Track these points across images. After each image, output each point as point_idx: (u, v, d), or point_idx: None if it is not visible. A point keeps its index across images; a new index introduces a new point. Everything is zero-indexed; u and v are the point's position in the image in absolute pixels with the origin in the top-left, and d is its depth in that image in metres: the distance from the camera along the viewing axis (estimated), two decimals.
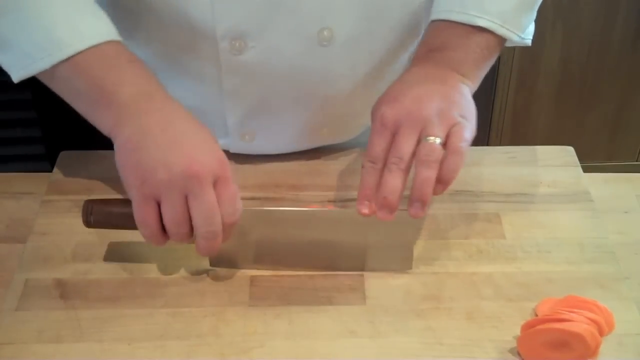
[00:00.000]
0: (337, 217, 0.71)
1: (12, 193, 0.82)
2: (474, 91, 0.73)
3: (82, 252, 0.73)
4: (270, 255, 0.71)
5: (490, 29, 0.72)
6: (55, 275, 0.71)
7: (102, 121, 0.68)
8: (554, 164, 0.83)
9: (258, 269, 0.71)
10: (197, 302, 0.68)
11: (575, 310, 0.63)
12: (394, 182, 0.65)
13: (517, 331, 0.65)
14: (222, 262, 0.71)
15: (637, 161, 1.97)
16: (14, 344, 0.65)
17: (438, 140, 0.65)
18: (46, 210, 0.77)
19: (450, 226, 0.76)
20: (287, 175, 0.82)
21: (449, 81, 0.71)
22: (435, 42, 0.74)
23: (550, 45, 1.75)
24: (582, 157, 0.85)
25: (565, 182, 0.81)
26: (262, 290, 0.70)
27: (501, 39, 0.74)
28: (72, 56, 0.66)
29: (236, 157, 0.83)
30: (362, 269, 0.71)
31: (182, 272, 0.71)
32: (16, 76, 0.68)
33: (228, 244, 0.67)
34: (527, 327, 0.64)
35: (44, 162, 1.55)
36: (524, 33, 0.76)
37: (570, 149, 0.86)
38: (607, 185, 0.83)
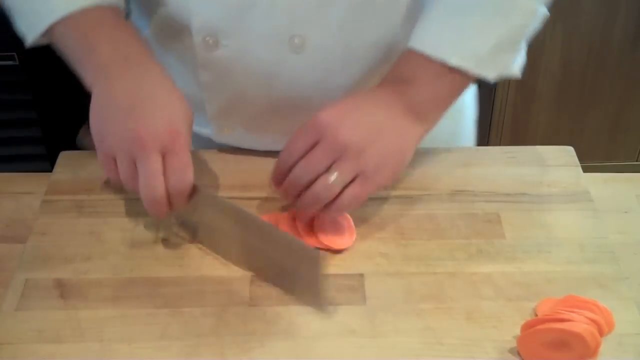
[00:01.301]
0: (268, 230, 0.68)
1: (12, 193, 0.82)
2: (427, 132, 0.72)
3: (82, 252, 0.73)
4: (218, 242, 0.72)
5: (463, 69, 0.70)
6: (55, 275, 0.71)
7: (84, 78, 0.72)
8: (554, 164, 0.83)
9: (207, 251, 0.72)
10: (197, 302, 0.68)
11: (575, 310, 0.63)
12: (296, 182, 0.68)
13: (517, 331, 0.65)
14: (184, 227, 0.73)
15: (637, 161, 1.97)
16: (14, 344, 0.65)
17: (340, 182, 0.67)
18: (46, 210, 0.77)
19: (450, 226, 0.76)
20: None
21: (398, 122, 0.70)
22: (404, 72, 0.72)
23: (550, 46, 1.75)
24: (582, 157, 0.85)
25: (565, 182, 0.81)
26: (262, 290, 0.70)
27: (474, 77, 0.73)
28: (64, 17, 0.71)
29: (226, 152, 0.84)
30: (289, 293, 0.69)
31: (182, 272, 0.71)
32: (28, 41, 0.74)
33: (186, 213, 0.69)
34: (527, 327, 0.64)
35: (44, 162, 1.55)
36: (508, 68, 0.74)
37: (570, 149, 0.86)
38: (607, 185, 0.83)
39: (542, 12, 0.73)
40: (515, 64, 0.75)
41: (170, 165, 0.66)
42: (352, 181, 0.67)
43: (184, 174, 0.66)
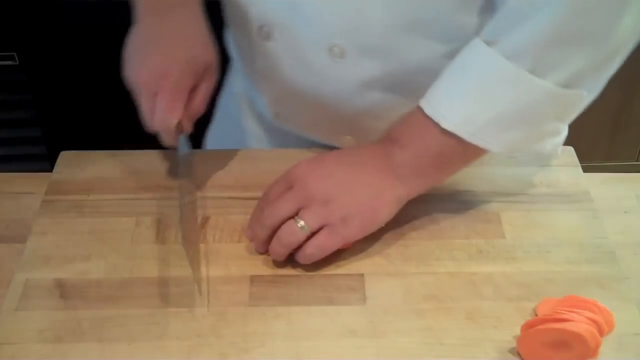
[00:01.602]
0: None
1: (12, 193, 0.82)
2: (411, 194, 0.71)
3: (82, 252, 0.73)
4: None
5: (457, 135, 0.66)
6: (55, 275, 0.71)
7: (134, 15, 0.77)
8: (554, 164, 0.83)
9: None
10: (197, 302, 0.68)
11: (575, 310, 0.63)
12: (260, 231, 0.70)
13: (517, 331, 0.65)
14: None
15: (637, 161, 1.97)
16: (14, 344, 0.65)
17: (305, 229, 0.68)
18: (46, 210, 0.77)
19: (450, 226, 0.76)
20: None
21: (374, 180, 0.69)
22: (397, 130, 0.71)
23: None
24: (582, 157, 0.85)
25: (565, 182, 0.81)
26: (262, 290, 0.70)
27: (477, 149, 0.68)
28: None
29: (226, 152, 0.84)
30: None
31: (182, 272, 0.71)
32: None
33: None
34: (527, 327, 0.64)
35: (44, 162, 1.55)
36: (525, 146, 0.70)
37: (570, 149, 0.85)
38: (607, 185, 0.83)
39: (567, 93, 0.66)
40: (549, 145, 0.71)
41: (156, 104, 0.71)
42: (319, 230, 0.68)
43: (163, 115, 0.71)
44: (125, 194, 0.79)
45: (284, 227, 0.69)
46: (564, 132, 0.72)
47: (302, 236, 0.68)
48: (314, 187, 0.68)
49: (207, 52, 0.75)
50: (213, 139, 1.04)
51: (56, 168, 0.82)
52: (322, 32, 0.76)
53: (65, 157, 0.84)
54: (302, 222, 0.68)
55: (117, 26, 1.51)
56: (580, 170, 0.83)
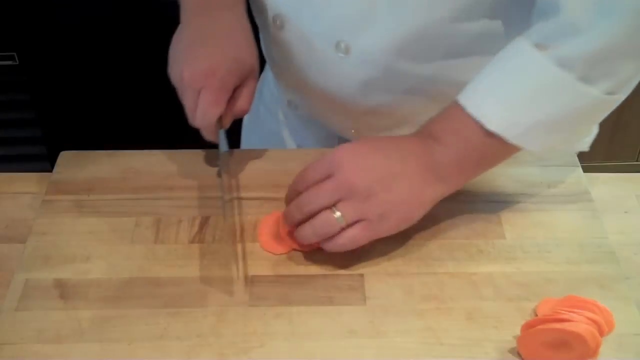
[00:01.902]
0: None
1: (12, 193, 0.82)
2: (448, 192, 0.70)
3: (82, 252, 0.73)
4: None
5: (500, 136, 0.67)
6: (55, 275, 0.71)
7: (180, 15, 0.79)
8: (554, 164, 0.83)
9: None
10: (197, 302, 0.68)
11: (575, 310, 0.63)
12: (297, 214, 0.69)
13: (517, 331, 0.65)
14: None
15: (637, 161, 1.97)
16: (14, 344, 0.65)
17: (341, 221, 0.67)
18: (46, 210, 0.77)
19: (450, 226, 0.76)
20: (289, 175, 0.82)
21: (415, 177, 0.68)
22: (437, 128, 0.70)
23: None
24: (582, 157, 0.85)
25: (565, 182, 0.81)
26: (262, 290, 0.70)
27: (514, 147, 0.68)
28: None
29: (226, 152, 0.83)
30: None
31: (182, 272, 0.71)
32: None
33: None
34: (527, 327, 0.64)
35: (44, 162, 1.55)
36: (562, 145, 0.71)
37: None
38: (607, 185, 0.83)
39: (610, 99, 0.68)
40: (580, 143, 0.72)
41: (198, 102, 0.73)
42: (354, 223, 0.68)
43: (206, 108, 0.73)
44: (125, 194, 0.79)
45: (320, 216, 0.68)
46: (595, 130, 0.72)
47: (336, 228, 0.67)
48: (356, 179, 0.67)
49: (251, 54, 0.76)
50: (248, 124, 1.07)
51: (56, 168, 0.82)
52: (329, 27, 0.78)
53: (65, 157, 0.84)
54: (339, 214, 0.67)
55: (117, 26, 1.51)
56: (581, 170, 0.83)
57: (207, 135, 0.76)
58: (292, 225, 0.71)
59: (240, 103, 0.76)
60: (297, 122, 0.95)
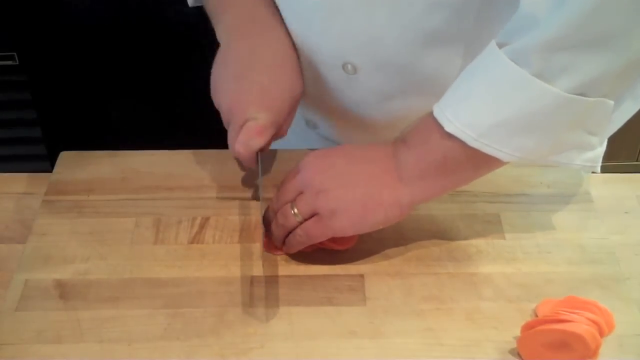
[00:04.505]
0: None
1: (12, 193, 0.82)
2: (415, 200, 0.68)
3: (82, 252, 0.73)
4: None
5: (461, 139, 0.63)
6: (55, 275, 0.70)
7: (218, 36, 0.78)
8: (554, 164, 0.83)
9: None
10: (197, 303, 0.68)
11: (576, 311, 0.63)
12: (270, 214, 0.73)
13: (517, 332, 0.64)
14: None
15: (637, 161, 1.97)
16: (14, 344, 0.65)
17: (298, 216, 0.69)
18: (46, 210, 0.77)
19: (450, 226, 0.76)
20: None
21: (376, 178, 0.68)
22: (412, 129, 0.69)
23: None
24: None
25: (565, 182, 0.81)
26: (262, 290, 0.70)
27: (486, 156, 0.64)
28: None
29: (226, 152, 0.83)
30: None
31: (182, 272, 0.71)
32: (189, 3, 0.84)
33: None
34: (527, 327, 0.64)
35: (44, 162, 1.55)
36: (542, 156, 0.65)
37: None
38: (607, 185, 0.83)
39: (582, 100, 0.61)
40: (578, 159, 0.66)
41: (240, 133, 0.71)
42: (310, 218, 0.69)
43: (242, 145, 0.71)
44: (125, 194, 0.79)
45: (281, 210, 0.70)
46: (600, 147, 0.67)
47: (293, 221, 0.69)
48: (313, 176, 0.69)
49: (300, 81, 0.76)
50: None
51: (56, 168, 0.82)
52: (333, 50, 0.76)
53: (65, 157, 0.84)
54: (296, 209, 0.69)
55: (118, 26, 1.51)
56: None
57: (247, 162, 0.73)
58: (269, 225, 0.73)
59: (283, 129, 0.75)
60: (318, 141, 0.93)
